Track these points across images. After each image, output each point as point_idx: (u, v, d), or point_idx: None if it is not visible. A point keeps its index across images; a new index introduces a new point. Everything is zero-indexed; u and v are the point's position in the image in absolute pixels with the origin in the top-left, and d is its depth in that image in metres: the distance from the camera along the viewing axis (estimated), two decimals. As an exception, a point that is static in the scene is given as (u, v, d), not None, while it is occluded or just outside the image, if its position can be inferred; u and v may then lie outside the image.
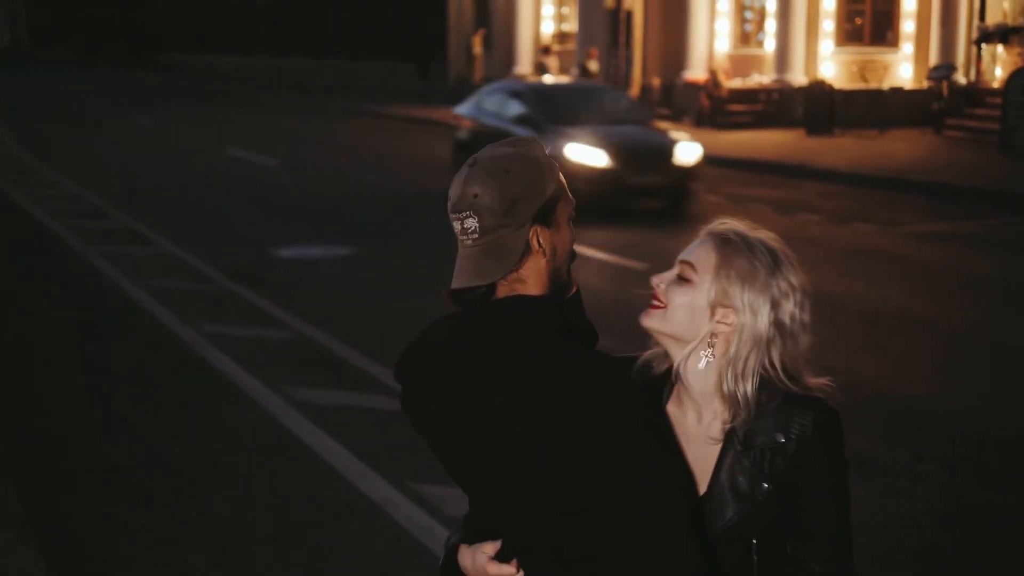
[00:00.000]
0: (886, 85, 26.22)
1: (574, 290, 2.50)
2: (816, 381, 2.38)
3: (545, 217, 2.39)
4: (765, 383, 2.33)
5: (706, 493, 2.37)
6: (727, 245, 2.35)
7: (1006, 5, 25.43)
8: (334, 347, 9.05)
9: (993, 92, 23.74)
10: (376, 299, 10.78)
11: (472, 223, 2.37)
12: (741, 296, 2.32)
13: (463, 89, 38.35)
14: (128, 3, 73.28)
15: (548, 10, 37.52)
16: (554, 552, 2.31)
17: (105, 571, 5.49)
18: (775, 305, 2.33)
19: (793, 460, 2.32)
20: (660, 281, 2.39)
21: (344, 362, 8.67)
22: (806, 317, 2.37)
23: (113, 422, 7.48)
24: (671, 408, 2.44)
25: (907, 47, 26.77)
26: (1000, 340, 9.57)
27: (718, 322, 2.33)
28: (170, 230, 14.44)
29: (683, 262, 2.38)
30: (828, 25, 27.88)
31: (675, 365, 2.39)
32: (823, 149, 22.39)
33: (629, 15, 32.51)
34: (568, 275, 2.48)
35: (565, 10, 37.19)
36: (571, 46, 35.65)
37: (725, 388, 2.33)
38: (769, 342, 2.33)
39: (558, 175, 2.44)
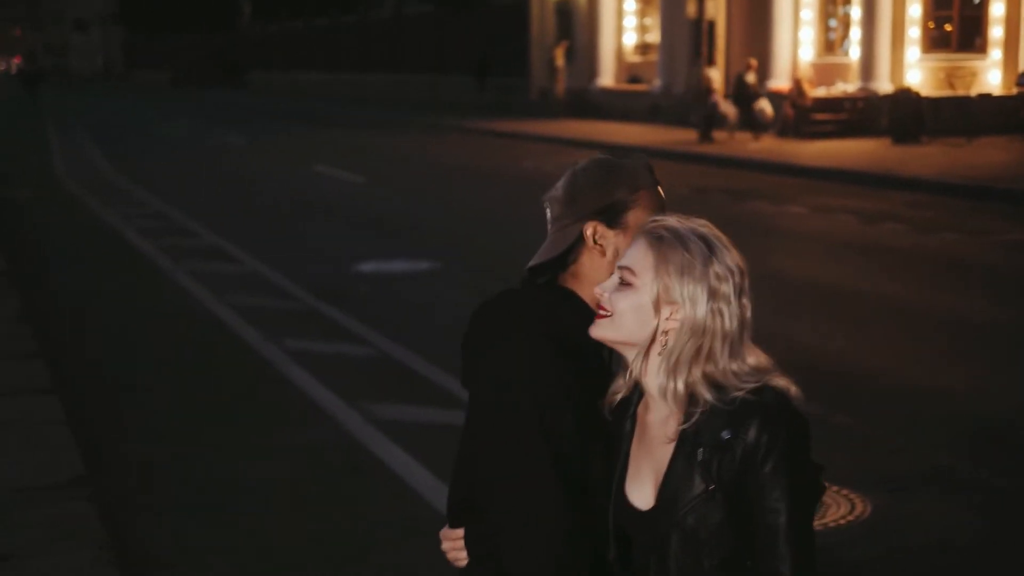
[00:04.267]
0: (974, 92, 25.84)
1: None
2: (761, 363, 2.35)
3: (609, 216, 2.51)
4: (711, 377, 2.32)
5: (657, 496, 2.37)
6: (661, 242, 2.35)
7: (1098, 8, 24.95)
8: (415, 363, 9.09)
9: (1085, 97, 23.29)
10: (458, 314, 10.80)
11: (548, 212, 2.59)
12: (681, 289, 2.33)
13: (546, 102, 38.45)
14: (218, 26, 74.47)
15: (630, 21, 37.47)
16: (479, 527, 2.53)
17: (186, 588, 5.56)
18: (713, 293, 2.32)
19: (741, 461, 2.28)
20: (603, 290, 2.41)
21: (424, 378, 8.71)
22: (746, 298, 2.36)
23: (194, 440, 7.57)
24: (641, 412, 2.45)
25: (995, 53, 26.34)
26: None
27: (665, 319, 2.35)
28: (256, 247, 14.63)
29: (622, 267, 2.39)
30: (914, 32, 27.52)
31: (633, 370, 2.40)
32: (909, 158, 22.10)
33: (712, 25, 32.34)
34: None
35: (648, 21, 37.12)
36: (654, 57, 35.58)
37: (663, 382, 2.34)
38: (708, 330, 2.33)
39: (645, 189, 2.55)
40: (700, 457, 2.30)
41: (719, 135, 26.95)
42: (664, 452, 2.37)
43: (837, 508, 6.10)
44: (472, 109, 41.17)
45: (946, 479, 6.58)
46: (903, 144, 24.36)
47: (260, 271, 13.18)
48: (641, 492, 2.41)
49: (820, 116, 27.24)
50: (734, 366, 2.33)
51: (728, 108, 27.37)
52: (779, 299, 10.77)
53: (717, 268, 2.33)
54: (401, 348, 9.54)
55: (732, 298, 2.34)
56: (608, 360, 2.54)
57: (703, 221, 2.41)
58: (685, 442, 2.33)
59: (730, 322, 2.33)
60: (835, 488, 6.32)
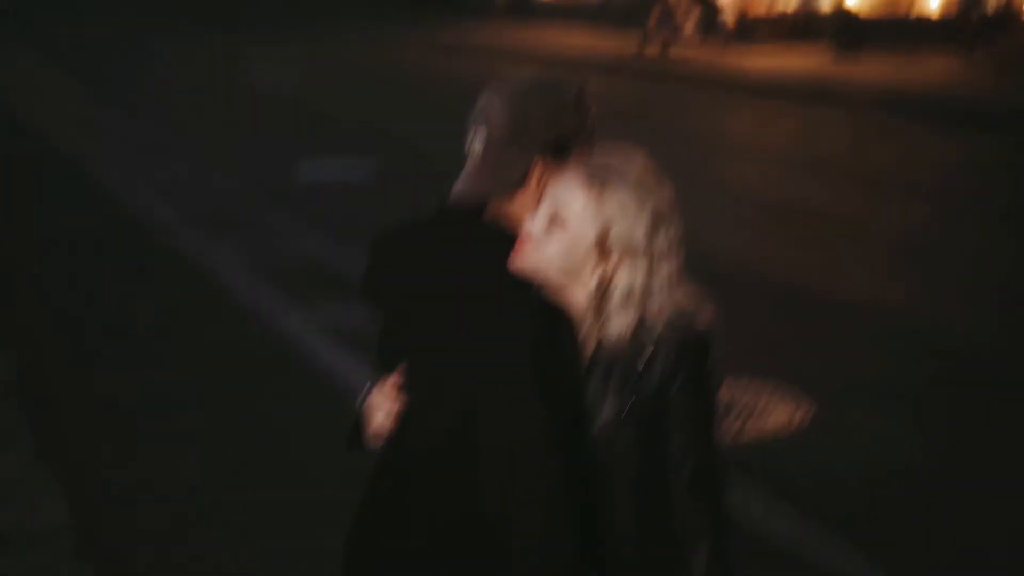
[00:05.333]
0: (914, 13, 25.90)
1: None
2: (688, 297, 2.34)
3: (556, 151, 2.33)
4: (644, 315, 2.30)
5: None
6: (596, 184, 2.29)
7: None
8: (352, 266, 9.01)
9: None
10: (398, 215, 10.71)
11: (482, 135, 2.36)
12: (617, 234, 2.28)
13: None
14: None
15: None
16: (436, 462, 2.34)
17: (121, 490, 5.52)
18: (649, 236, 2.29)
19: (656, 387, 2.27)
20: (533, 225, 2.32)
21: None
22: (678, 238, 2.34)
23: (130, 349, 7.48)
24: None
25: (937, -28, 26.38)
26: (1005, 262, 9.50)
27: (598, 260, 2.30)
28: (195, 147, 14.41)
29: (553, 207, 2.31)
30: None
31: (571, 306, 2.36)
32: (850, 73, 22.16)
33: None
34: None
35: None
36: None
37: (616, 326, 2.30)
38: (643, 271, 2.29)
39: (588, 121, 2.38)
40: (619, 374, 2.29)
41: (687, 48, 26.82)
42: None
43: (774, 418, 6.15)
44: (410, 11, 40.71)
45: (881, 391, 6.65)
46: (844, 58, 24.40)
47: (199, 172, 12.98)
48: None
49: (762, 30, 27.24)
50: (666, 302, 2.31)
51: (693, 10, 27.37)
52: (722, 213, 10.80)
53: (652, 210, 2.29)
54: (340, 249, 9.45)
55: (668, 241, 2.31)
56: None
57: (637, 155, 2.34)
58: (599, 363, 2.32)
59: (666, 264, 2.31)
60: (774, 397, 6.38)
